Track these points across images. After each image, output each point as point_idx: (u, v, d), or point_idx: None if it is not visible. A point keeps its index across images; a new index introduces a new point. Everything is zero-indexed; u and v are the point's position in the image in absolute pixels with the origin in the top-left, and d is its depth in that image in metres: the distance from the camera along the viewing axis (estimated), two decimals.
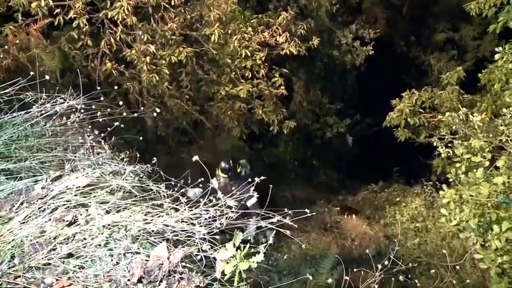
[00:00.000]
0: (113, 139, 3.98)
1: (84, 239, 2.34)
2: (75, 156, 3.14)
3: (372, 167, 15.13)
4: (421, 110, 10.60)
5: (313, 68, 15.83)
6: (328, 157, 16.58)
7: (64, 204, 2.52)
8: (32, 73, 3.38)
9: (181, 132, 12.84)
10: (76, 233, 2.36)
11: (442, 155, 6.72)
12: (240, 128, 11.61)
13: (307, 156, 16.23)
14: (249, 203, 7.09)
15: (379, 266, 3.29)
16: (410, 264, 5.03)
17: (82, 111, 3.55)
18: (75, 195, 2.59)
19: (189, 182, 3.20)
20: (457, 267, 5.70)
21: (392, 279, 3.60)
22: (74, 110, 3.51)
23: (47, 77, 3.39)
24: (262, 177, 2.80)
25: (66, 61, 9.27)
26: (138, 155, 3.45)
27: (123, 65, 10.01)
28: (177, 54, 9.69)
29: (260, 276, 3.05)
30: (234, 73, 10.75)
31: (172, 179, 3.19)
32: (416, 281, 3.88)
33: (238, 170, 7.07)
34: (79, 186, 2.67)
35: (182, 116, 11.67)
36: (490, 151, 5.09)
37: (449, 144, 6.80)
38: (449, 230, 6.19)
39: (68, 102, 3.30)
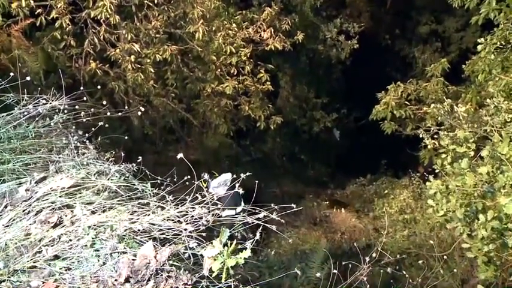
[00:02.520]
0: (99, 139, 3.96)
1: (70, 240, 2.32)
2: (60, 157, 3.11)
3: (359, 161, 15.18)
4: (406, 103, 10.65)
5: (299, 63, 15.84)
6: (316, 152, 16.62)
7: (49, 206, 2.50)
8: (12, 74, 3.33)
9: (168, 130, 12.81)
10: (61, 234, 2.34)
11: (429, 147, 6.76)
12: (226, 124, 11.62)
13: (295, 152, 16.25)
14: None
15: (367, 259, 3.31)
16: (398, 256, 5.06)
17: (66, 111, 3.52)
18: (60, 197, 2.57)
19: (175, 179, 3.18)
20: (445, 257, 5.76)
21: (381, 271, 3.63)
22: (57, 110, 3.48)
23: (28, 78, 3.34)
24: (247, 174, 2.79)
25: (49, 62, 9.17)
26: (123, 155, 3.42)
27: (108, 65, 9.95)
28: (161, 53, 9.66)
29: (249, 272, 3.04)
30: (219, 70, 10.74)
31: (158, 177, 3.17)
32: (404, 272, 3.91)
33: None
34: (64, 188, 2.65)
35: (168, 114, 11.66)
36: (474, 141, 5.13)
37: (436, 136, 6.84)
38: (437, 221, 6.23)
39: (50, 103, 3.27)
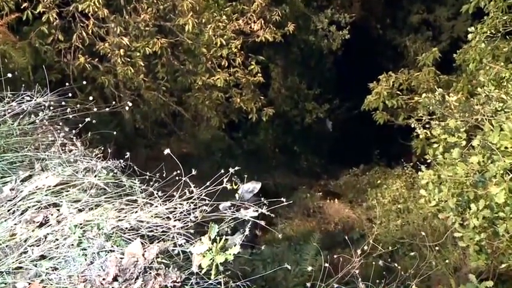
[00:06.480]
0: (89, 135, 3.91)
1: (56, 239, 2.29)
2: (46, 155, 3.06)
3: (352, 151, 15.21)
4: (398, 92, 10.64)
5: (290, 54, 15.81)
6: (309, 143, 16.62)
7: (34, 205, 2.45)
8: None
9: (159, 124, 12.77)
10: (48, 234, 2.30)
11: (421, 136, 6.75)
12: (218, 117, 11.59)
13: (288, 143, 16.25)
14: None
15: (359, 251, 3.30)
16: (390, 248, 5.07)
17: (52, 108, 3.46)
18: (45, 195, 2.53)
19: (164, 175, 3.14)
20: (437, 247, 5.78)
21: (373, 263, 3.62)
22: (43, 107, 3.42)
23: (10, 75, 3.28)
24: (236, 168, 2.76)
25: (37, 57, 9.08)
26: (109, 151, 3.37)
27: (97, 59, 9.88)
28: (151, 46, 9.60)
29: (241, 266, 3.02)
30: (210, 62, 10.69)
31: (147, 173, 3.13)
32: (396, 264, 3.91)
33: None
34: (50, 186, 2.61)
35: (160, 108, 11.61)
36: (466, 131, 5.12)
37: (427, 125, 6.84)
38: (429, 211, 6.26)
39: (35, 100, 3.21)
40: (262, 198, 2.76)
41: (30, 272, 2.15)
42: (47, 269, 2.18)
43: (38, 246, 2.25)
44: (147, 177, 3.10)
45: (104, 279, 2.17)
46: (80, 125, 3.58)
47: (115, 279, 2.18)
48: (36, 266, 2.17)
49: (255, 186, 8.67)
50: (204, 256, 2.28)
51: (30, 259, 2.19)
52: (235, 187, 2.71)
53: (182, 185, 2.72)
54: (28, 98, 3.21)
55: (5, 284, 2.07)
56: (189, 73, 11.01)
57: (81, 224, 2.37)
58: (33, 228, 2.32)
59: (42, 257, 2.23)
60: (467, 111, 6.17)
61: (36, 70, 8.78)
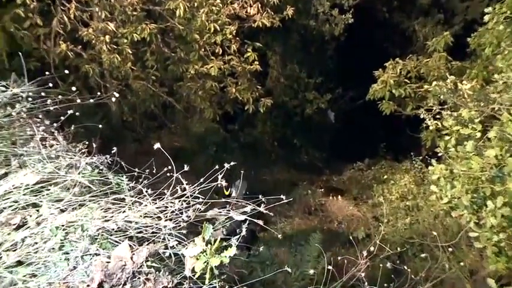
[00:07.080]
0: (72, 128, 3.86)
1: (36, 243, 2.25)
2: (24, 151, 3.02)
3: (357, 144, 15.22)
4: (406, 81, 10.63)
5: (289, 41, 15.75)
6: (310, 135, 16.62)
7: (11, 206, 2.41)
8: None
9: (149, 116, 12.73)
10: (25, 237, 2.27)
11: (431, 128, 6.74)
12: (212, 108, 11.55)
13: (287, 136, 16.24)
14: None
15: (365, 253, 3.27)
16: (398, 249, 5.06)
17: (30, 99, 3.42)
18: (23, 195, 2.49)
19: (154, 171, 3.11)
20: (450, 248, 5.76)
21: (380, 265, 3.60)
22: (20, 98, 3.37)
23: None
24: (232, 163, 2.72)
25: (13, 43, 8.96)
26: (95, 145, 3.34)
27: (80, 46, 9.80)
28: (139, 32, 9.53)
29: (238, 270, 2.99)
30: (203, 50, 10.64)
31: (136, 169, 3.10)
32: (405, 266, 3.88)
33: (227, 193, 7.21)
34: (28, 184, 2.57)
35: (149, 99, 11.56)
36: (481, 121, 5.10)
37: (438, 116, 6.82)
38: (441, 208, 6.24)
39: (11, 90, 3.16)
40: (260, 196, 2.73)
41: (4, 280, 2.12)
42: (24, 276, 2.15)
43: (14, 251, 2.21)
44: (135, 173, 3.08)
45: (88, 285, 2.15)
46: (62, 118, 3.53)
47: (101, 285, 2.15)
48: (11, 273, 2.14)
49: (242, 185, 8.84)
50: (197, 259, 2.25)
51: (5, 266, 2.15)
52: (227, 193, 2.69)
53: (174, 181, 2.69)
54: (3, 88, 3.16)
55: None
56: (180, 61, 10.95)
57: (63, 225, 2.34)
58: (9, 231, 2.29)
59: (19, 263, 2.19)
60: (483, 100, 6.16)
61: (12, 58, 8.69)
